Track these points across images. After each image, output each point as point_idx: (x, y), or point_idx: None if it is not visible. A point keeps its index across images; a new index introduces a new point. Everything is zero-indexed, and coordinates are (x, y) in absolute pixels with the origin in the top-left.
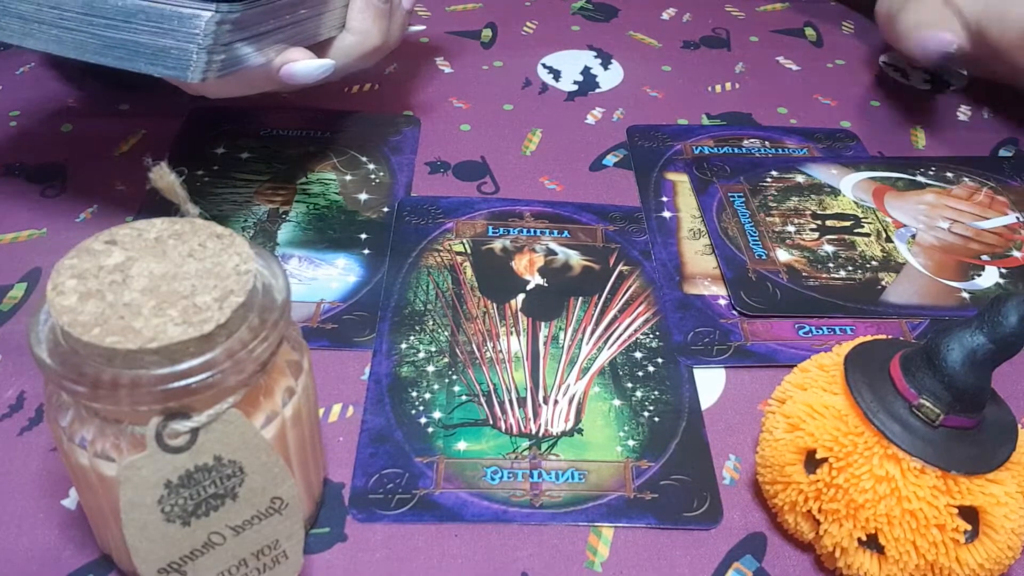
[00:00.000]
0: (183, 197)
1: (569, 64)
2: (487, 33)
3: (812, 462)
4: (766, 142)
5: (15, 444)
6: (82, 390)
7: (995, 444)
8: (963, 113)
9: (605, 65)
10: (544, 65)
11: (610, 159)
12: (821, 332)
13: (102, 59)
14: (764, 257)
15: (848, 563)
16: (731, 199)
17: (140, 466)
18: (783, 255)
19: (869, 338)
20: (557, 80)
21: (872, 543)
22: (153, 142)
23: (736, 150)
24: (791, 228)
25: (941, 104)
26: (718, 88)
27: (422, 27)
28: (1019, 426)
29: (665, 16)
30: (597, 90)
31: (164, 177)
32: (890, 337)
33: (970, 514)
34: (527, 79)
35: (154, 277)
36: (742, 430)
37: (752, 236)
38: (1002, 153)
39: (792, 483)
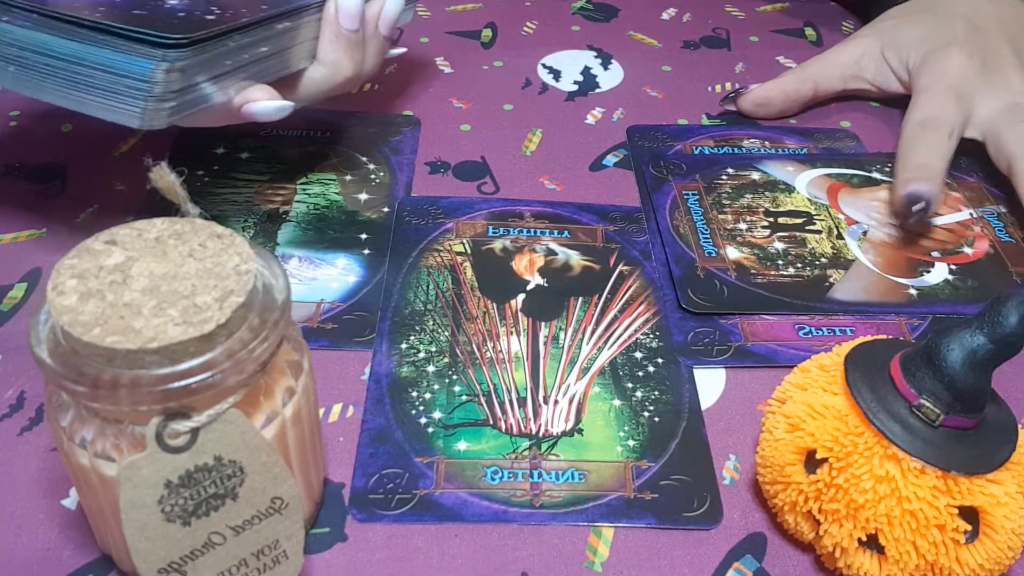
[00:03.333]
0: (183, 197)
1: (569, 64)
2: (487, 33)
3: (812, 462)
4: (766, 142)
5: (15, 444)
6: (82, 390)
7: (995, 444)
8: None
9: (605, 65)
10: (544, 65)
11: (610, 159)
12: (821, 332)
13: (58, 100)
14: (714, 255)
15: (848, 563)
16: (685, 197)
17: (140, 466)
18: (733, 252)
19: (869, 338)
20: (557, 80)
21: (872, 543)
22: (153, 142)
23: (736, 150)
24: (743, 225)
25: None
26: (718, 88)
27: (403, 50)
28: (1019, 426)
29: (665, 16)
30: (597, 90)
31: (164, 177)
32: (890, 337)
33: (970, 514)
34: (527, 79)
35: (154, 277)
36: (742, 430)
37: (703, 234)
38: None
39: (792, 483)
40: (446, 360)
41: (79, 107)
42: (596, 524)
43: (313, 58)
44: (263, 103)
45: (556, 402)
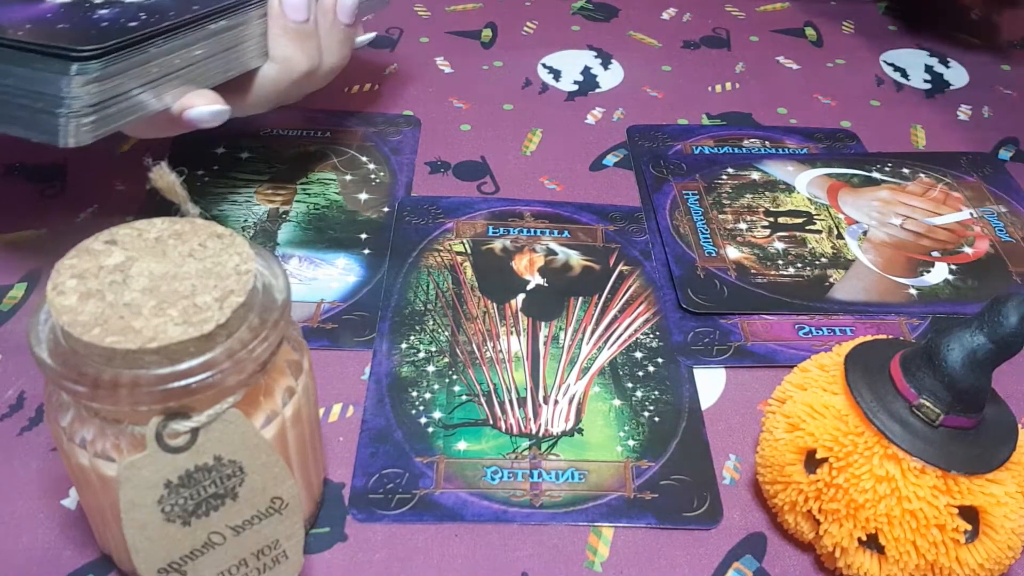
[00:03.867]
0: (183, 197)
1: (569, 64)
2: (487, 33)
3: (812, 462)
4: (766, 142)
5: (15, 444)
6: (82, 390)
7: (995, 444)
8: (963, 113)
9: (605, 65)
10: (544, 65)
11: (610, 159)
12: (821, 332)
13: None
14: (714, 255)
15: (848, 563)
16: (685, 197)
17: (140, 466)
18: (733, 252)
19: (869, 338)
20: (557, 80)
21: (872, 543)
22: (153, 142)
23: (736, 150)
24: (743, 225)
25: (941, 104)
26: (718, 88)
27: (372, 35)
28: (1019, 426)
29: (665, 16)
30: (597, 90)
31: (164, 177)
32: (890, 337)
33: (970, 514)
34: (527, 79)
35: (154, 277)
36: (742, 430)
37: (703, 234)
38: (1002, 154)
39: (792, 483)
40: (446, 360)
41: (6, 129)
42: (596, 524)
43: (266, 55)
44: (198, 109)
45: (556, 402)
